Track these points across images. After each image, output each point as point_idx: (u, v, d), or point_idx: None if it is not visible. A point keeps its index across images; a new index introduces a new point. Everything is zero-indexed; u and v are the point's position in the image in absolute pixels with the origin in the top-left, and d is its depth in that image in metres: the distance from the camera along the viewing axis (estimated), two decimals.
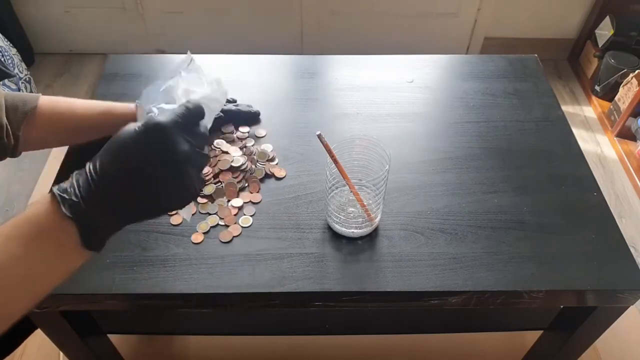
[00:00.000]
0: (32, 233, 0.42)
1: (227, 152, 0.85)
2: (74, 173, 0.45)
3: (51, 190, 0.44)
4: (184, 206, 0.49)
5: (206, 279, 0.70)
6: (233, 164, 0.83)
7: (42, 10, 1.95)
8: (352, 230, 0.73)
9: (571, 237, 0.76)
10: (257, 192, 0.81)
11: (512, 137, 0.91)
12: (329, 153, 0.68)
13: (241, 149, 0.86)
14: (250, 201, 0.80)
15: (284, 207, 0.79)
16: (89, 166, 0.44)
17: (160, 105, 0.67)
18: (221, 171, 0.82)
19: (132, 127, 0.45)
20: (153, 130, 0.44)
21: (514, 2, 1.93)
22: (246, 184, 0.82)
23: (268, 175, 0.84)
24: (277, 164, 0.86)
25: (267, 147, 0.88)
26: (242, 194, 0.81)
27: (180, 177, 0.46)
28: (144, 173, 0.44)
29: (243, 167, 0.83)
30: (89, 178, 0.43)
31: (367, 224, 0.73)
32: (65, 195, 0.43)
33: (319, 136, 0.68)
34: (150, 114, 0.50)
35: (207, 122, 0.51)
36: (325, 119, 0.94)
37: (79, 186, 0.43)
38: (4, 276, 0.41)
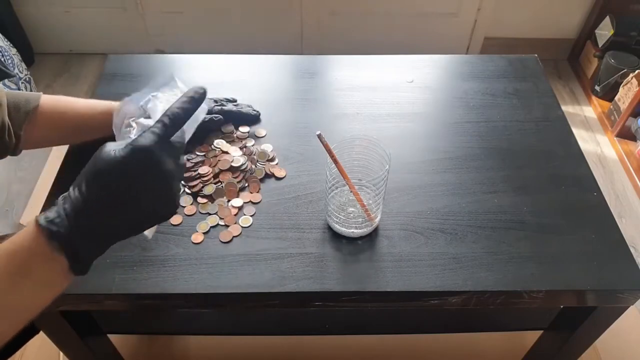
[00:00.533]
0: (20, 266, 0.42)
1: (227, 152, 0.85)
2: (59, 199, 0.44)
3: (36, 220, 0.43)
4: (167, 219, 0.48)
5: (206, 279, 0.70)
6: (233, 164, 0.83)
7: (42, 10, 1.95)
8: (352, 230, 0.73)
9: (571, 237, 0.76)
10: (257, 192, 0.81)
11: (512, 137, 0.91)
12: (329, 153, 0.68)
13: (241, 149, 0.86)
14: (250, 201, 0.80)
15: (284, 207, 0.79)
16: (74, 193, 0.43)
17: (139, 120, 0.67)
18: (221, 171, 0.82)
19: (112, 148, 0.43)
20: (137, 154, 0.43)
21: (514, 2, 1.93)
22: (246, 184, 0.82)
23: (268, 175, 0.84)
24: (277, 164, 0.86)
25: (267, 147, 0.88)
26: (242, 194, 0.81)
27: (165, 195, 0.46)
28: (129, 198, 0.44)
29: (243, 167, 0.83)
30: (76, 206, 0.43)
31: (367, 224, 0.73)
32: (52, 228, 0.42)
33: (319, 136, 0.68)
34: (129, 136, 0.48)
35: (187, 132, 0.50)
36: (325, 119, 0.94)
37: (66, 215, 0.43)
38: None
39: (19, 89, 1.77)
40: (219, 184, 0.81)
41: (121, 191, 0.43)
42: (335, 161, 0.68)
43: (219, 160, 0.84)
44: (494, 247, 0.74)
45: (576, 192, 0.82)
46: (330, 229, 0.76)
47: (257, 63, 1.06)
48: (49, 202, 0.79)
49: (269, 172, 0.84)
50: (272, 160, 0.86)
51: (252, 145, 0.88)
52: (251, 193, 0.81)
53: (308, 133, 0.91)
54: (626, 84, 1.74)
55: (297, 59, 1.09)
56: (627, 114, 1.71)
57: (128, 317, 1.01)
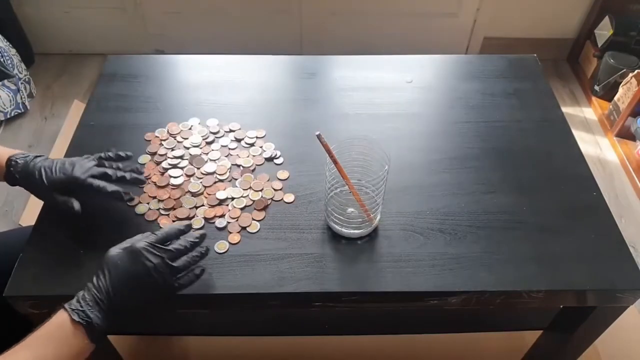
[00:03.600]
0: (54, 344, 0.58)
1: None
2: (80, 293, 0.61)
3: (63, 306, 0.59)
4: (163, 301, 0.64)
5: (206, 279, 0.69)
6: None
7: (42, 11, 1.95)
8: (351, 230, 0.73)
9: (571, 237, 0.76)
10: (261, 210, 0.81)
11: (512, 137, 0.91)
12: (328, 153, 0.68)
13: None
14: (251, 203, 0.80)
15: (283, 207, 0.79)
16: (91, 284, 0.61)
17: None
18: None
19: (117, 250, 0.62)
20: (130, 253, 0.62)
21: (514, 2, 1.93)
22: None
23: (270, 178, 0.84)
24: (281, 163, 0.86)
25: (269, 145, 0.88)
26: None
27: (153, 281, 0.61)
28: (131, 282, 0.61)
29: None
30: (94, 295, 0.60)
31: (366, 224, 0.73)
32: (76, 311, 0.59)
33: (319, 136, 0.68)
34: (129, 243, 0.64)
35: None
36: (325, 119, 0.94)
37: (85, 301, 0.60)
38: None
39: (18, 90, 1.77)
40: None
41: (124, 279, 0.61)
42: (334, 161, 0.68)
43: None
44: (494, 247, 0.74)
45: (576, 192, 0.82)
46: (329, 229, 0.76)
47: (257, 63, 1.06)
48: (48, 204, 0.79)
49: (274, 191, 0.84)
50: (275, 158, 0.86)
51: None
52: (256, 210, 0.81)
53: (308, 133, 0.91)
54: (625, 83, 1.74)
55: (297, 59, 1.09)
56: (627, 113, 1.71)
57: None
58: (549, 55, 2.11)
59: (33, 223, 0.77)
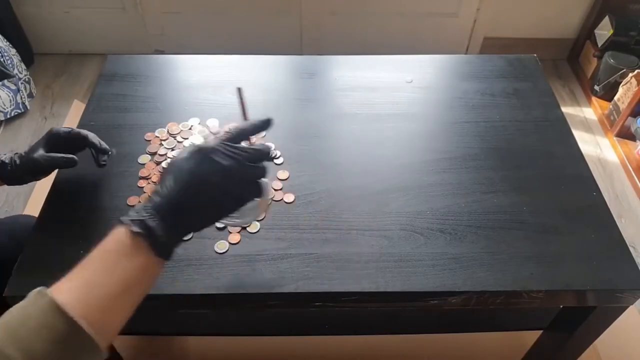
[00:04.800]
0: (113, 258, 0.50)
1: None
2: (139, 204, 0.53)
3: (119, 220, 0.51)
4: (234, 207, 0.55)
5: (206, 279, 0.70)
6: None
7: (42, 11, 1.95)
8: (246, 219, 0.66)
9: (571, 237, 0.76)
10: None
11: (512, 137, 0.91)
12: (242, 111, 0.64)
13: None
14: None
15: (283, 207, 0.79)
16: (153, 193, 0.53)
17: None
18: None
19: (183, 152, 0.54)
20: (196, 154, 0.53)
21: (514, 2, 1.93)
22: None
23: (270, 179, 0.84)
24: (282, 163, 0.86)
25: (270, 145, 0.88)
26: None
27: (223, 185, 0.53)
28: (195, 187, 0.52)
29: None
30: (154, 203, 0.51)
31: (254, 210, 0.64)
32: (134, 221, 0.50)
33: (239, 90, 0.63)
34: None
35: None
36: (325, 119, 0.94)
37: (144, 210, 0.51)
38: (109, 298, 0.48)
39: (18, 90, 1.77)
40: None
41: (189, 184, 0.52)
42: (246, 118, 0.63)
43: None
44: (494, 247, 0.74)
45: (576, 192, 0.82)
46: (330, 229, 0.76)
47: (257, 63, 1.06)
48: (48, 202, 0.79)
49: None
50: (275, 158, 0.86)
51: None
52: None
53: (308, 133, 0.91)
54: (625, 83, 1.75)
55: (297, 59, 1.09)
56: (627, 113, 1.71)
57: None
58: (549, 55, 2.11)
59: (32, 223, 0.77)
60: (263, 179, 0.57)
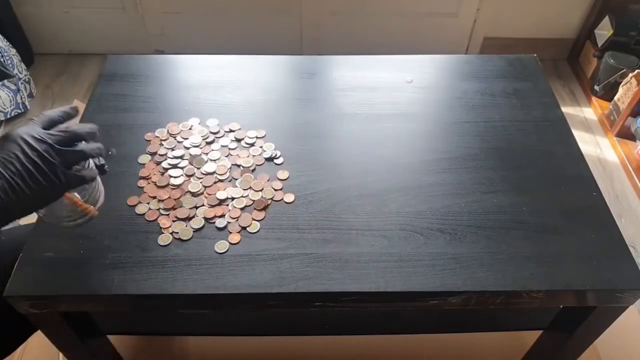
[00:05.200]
0: None
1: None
2: None
3: None
4: (45, 198, 0.58)
5: (206, 279, 0.70)
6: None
7: (42, 10, 1.95)
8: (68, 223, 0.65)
9: (571, 237, 0.76)
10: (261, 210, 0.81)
11: (512, 137, 0.91)
12: None
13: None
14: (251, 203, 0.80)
15: (283, 207, 0.79)
16: None
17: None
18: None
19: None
20: (5, 140, 0.55)
21: (514, 2, 1.93)
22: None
23: (270, 178, 0.84)
24: (281, 163, 0.86)
25: (269, 145, 0.88)
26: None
27: (34, 170, 0.54)
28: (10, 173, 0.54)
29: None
30: None
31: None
32: None
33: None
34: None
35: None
36: (325, 119, 0.94)
37: None
38: None
39: (18, 90, 1.77)
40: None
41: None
42: None
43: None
44: (494, 247, 0.74)
45: (576, 192, 0.82)
46: (329, 229, 0.76)
47: (257, 63, 1.06)
48: None
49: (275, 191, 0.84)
50: (275, 158, 0.86)
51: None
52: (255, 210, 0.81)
53: (308, 133, 0.91)
54: (625, 83, 1.75)
55: (297, 59, 1.09)
56: (627, 113, 1.71)
57: (128, 317, 1.01)
58: (549, 55, 2.11)
59: (33, 223, 0.77)
60: (90, 170, 0.58)
